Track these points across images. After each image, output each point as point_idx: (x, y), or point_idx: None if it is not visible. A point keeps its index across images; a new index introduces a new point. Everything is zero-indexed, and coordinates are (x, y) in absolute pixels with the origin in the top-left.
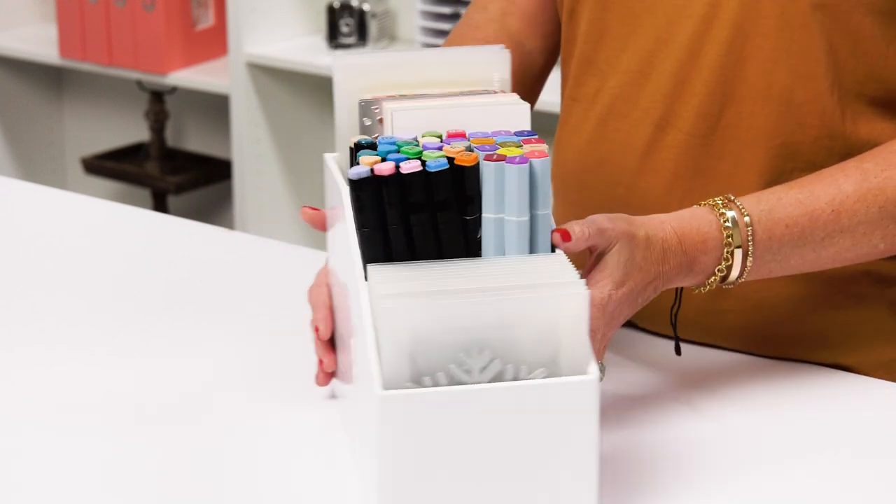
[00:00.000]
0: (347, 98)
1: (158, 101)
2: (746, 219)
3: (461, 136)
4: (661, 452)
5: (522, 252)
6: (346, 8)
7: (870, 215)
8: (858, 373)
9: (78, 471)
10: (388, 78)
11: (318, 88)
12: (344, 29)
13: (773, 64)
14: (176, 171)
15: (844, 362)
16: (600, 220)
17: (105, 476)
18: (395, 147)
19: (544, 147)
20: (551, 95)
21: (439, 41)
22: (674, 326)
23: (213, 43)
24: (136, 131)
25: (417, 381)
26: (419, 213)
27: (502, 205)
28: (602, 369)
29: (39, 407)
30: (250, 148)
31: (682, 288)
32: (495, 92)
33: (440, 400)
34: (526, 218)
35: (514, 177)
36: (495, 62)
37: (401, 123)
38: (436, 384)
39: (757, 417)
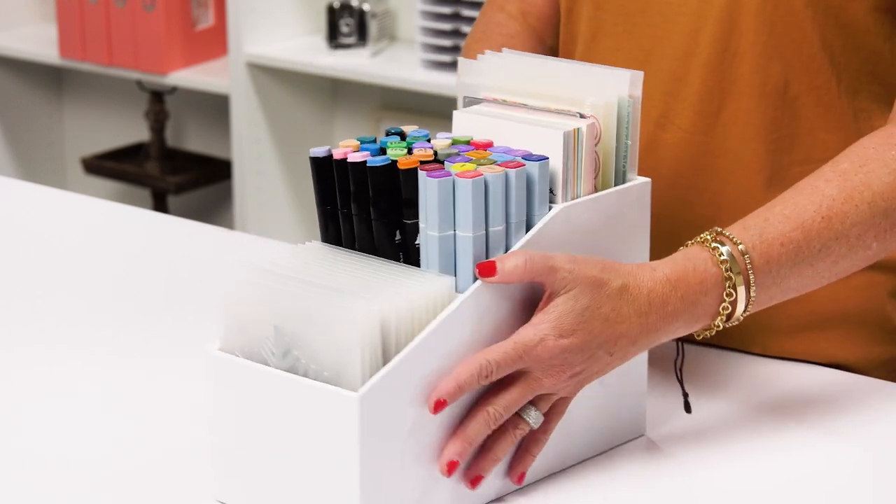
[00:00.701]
0: (464, 93)
1: (158, 101)
2: (741, 247)
3: (486, 146)
4: (658, 449)
5: (437, 267)
6: (346, 8)
7: (860, 214)
8: (858, 373)
9: (77, 470)
10: (505, 81)
11: (318, 88)
12: (344, 29)
13: (767, 60)
14: (176, 171)
15: (844, 362)
16: (558, 259)
17: (105, 476)
18: (408, 139)
19: (501, 171)
20: None
21: (439, 41)
22: (681, 382)
23: (213, 43)
24: (136, 131)
25: (242, 351)
26: (358, 204)
27: (426, 216)
28: (533, 417)
29: (39, 407)
30: (250, 148)
31: (683, 339)
32: (584, 116)
33: (234, 371)
34: (436, 233)
35: (425, 188)
36: (611, 85)
37: (459, 125)
38: (249, 358)
39: (757, 417)
